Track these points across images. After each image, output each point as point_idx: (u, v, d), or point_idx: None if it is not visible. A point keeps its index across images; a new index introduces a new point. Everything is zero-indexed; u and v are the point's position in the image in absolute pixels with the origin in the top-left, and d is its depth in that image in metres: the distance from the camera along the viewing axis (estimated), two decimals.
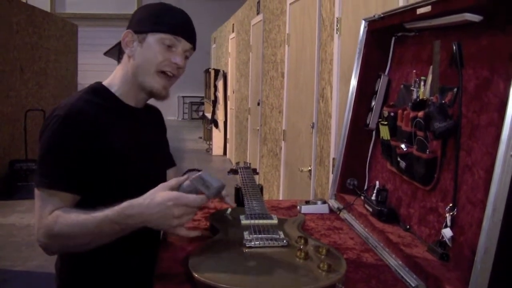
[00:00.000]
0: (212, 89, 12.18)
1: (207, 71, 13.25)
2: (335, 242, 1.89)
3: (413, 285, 1.51)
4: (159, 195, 1.43)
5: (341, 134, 2.40)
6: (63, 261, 1.78)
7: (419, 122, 1.75)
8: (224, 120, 11.82)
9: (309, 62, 4.35)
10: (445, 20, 1.63)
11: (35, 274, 4.76)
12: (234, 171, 2.35)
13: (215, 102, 12.12)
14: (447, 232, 1.58)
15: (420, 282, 1.52)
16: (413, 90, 1.85)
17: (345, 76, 3.36)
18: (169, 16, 1.72)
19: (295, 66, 4.90)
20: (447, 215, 1.59)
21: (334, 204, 2.36)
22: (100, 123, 1.64)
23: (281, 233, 1.64)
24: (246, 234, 1.61)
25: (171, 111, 19.51)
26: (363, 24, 2.26)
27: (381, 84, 2.17)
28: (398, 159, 1.93)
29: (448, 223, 1.59)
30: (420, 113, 1.73)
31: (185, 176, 1.52)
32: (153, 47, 1.69)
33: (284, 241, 1.57)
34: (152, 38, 1.69)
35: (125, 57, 1.76)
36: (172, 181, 1.49)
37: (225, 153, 12.02)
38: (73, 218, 1.51)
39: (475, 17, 1.50)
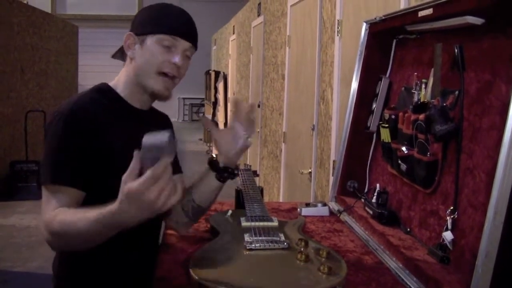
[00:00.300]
0: (213, 91, 12.18)
1: (207, 73, 13.26)
2: (335, 244, 1.89)
3: None
4: (122, 193, 1.32)
5: (342, 137, 2.39)
6: (61, 260, 1.78)
7: (420, 124, 1.75)
8: (224, 121, 11.80)
9: (310, 64, 4.35)
10: (446, 23, 1.63)
11: (35, 275, 4.75)
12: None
13: (215, 104, 12.12)
14: (447, 235, 1.57)
15: (421, 285, 1.51)
16: (414, 92, 1.85)
17: (346, 78, 3.36)
18: (168, 17, 1.72)
19: (296, 68, 4.90)
20: (448, 218, 1.59)
21: (334, 206, 2.36)
22: (101, 122, 1.65)
23: (281, 235, 1.64)
24: (246, 236, 1.61)
25: (171, 113, 19.36)
26: (364, 26, 2.26)
27: (382, 87, 2.17)
28: (399, 161, 1.92)
29: (449, 226, 1.58)
30: (421, 116, 1.73)
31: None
32: (152, 49, 1.69)
33: (285, 243, 1.57)
34: (151, 40, 1.69)
35: (127, 59, 1.77)
36: (130, 169, 1.31)
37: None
38: (68, 217, 1.50)
39: (477, 20, 1.50)
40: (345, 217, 2.22)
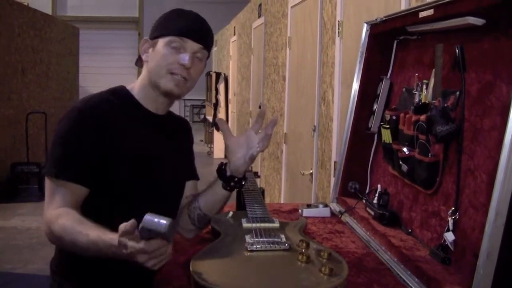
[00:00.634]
0: (214, 92, 12.18)
1: (208, 74, 13.25)
2: (336, 245, 1.88)
3: None
4: (119, 246, 1.33)
5: (343, 138, 2.39)
6: (60, 259, 1.79)
7: (421, 125, 1.75)
8: None
9: (311, 65, 4.35)
10: (447, 24, 1.63)
11: (36, 277, 4.75)
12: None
13: (216, 105, 12.12)
14: (449, 236, 1.57)
15: (422, 286, 1.51)
16: (415, 93, 1.85)
17: (347, 79, 3.36)
18: (177, 19, 1.73)
19: (297, 69, 4.90)
20: (449, 218, 1.59)
21: (335, 207, 2.36)
22: (113, 122, 1.67)
23: (282, 236, 1.64)
24: (248, 238, 1.61)
25: None
26: (365, 28, 2.26)
27: (383, 88, 2.17)
28: (400, 162, 1.92)
29: (450, 227, 1.58)
30: (422, 117, 1.73)
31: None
32: (162, 51, 1.70)
33: (286, 244, 1.57)
34: (162, 42, 1.71)
35: (144, 64, 1.78)
36: (122, 226, 1.31)
37: (226, 156, 11.99)
38: (70, 225, 1.50)
39: (477, 21, 1.50)
40: (346, 218, 2.22)
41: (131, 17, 15.79)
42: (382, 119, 2.14)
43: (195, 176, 1.97)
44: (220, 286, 1.30)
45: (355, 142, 2.33)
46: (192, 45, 1.71)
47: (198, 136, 15.76)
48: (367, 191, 2.30)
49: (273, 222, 1.78)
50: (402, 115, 1.91)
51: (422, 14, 1.72)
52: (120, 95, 1.77)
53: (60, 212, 1.55)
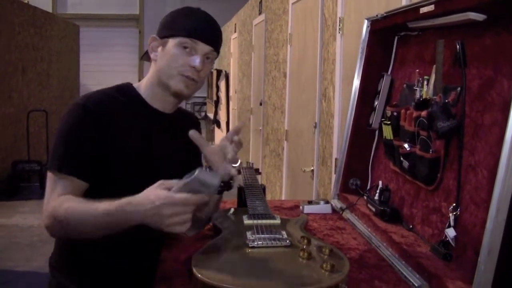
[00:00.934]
0: (214, 89, 12.17)
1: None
2: (338, 242, 1.88)
3: (416, 285, 1.51)
4: (152, 193, 1.39)
5: (344, 134, 2.39)
6: (60, 255, 1.79)
7: (422, 121, 1.75)
8: (226, 120, 11.80)
9: (311, 62, 4.35)
10: (448, 19, 1.63)
11: (37, 275, 4.75)
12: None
13: (217, 103, 12.11)
14: (450, 232, 1.57)
15: (423, 282, 1.51)
16: (416, 89, 1.85)
17: (348, 76, 3.35)
18: (189, 20, 1.71)
19: (297, 66, 4.90)
20: (450, 215, 1.59)
21: (337, 204, 2.36)
22: (116, 119, 1.67)
23: (284, 233, 1.64)
24: (249, 234, 1.61)
25: None
26: (365, 24, 2.25)
27: (384, 84, 2.17)
28: (401, 158, 1.92)
29: (451, 223, 1.58)
30: (423, 113, 1.73)
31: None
32: (173, 51, 1.69)
33: (287, 241, 1.57)
34: (172, 42, 1.70)
35: (152, 62, 1.77)
36: (173, 180, 1.42)
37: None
38: (76, 205, 1.52)
39: (478, 16, 1.50)
40: (347, 214, 2.22)
41: (132, 14, 15.76)
42: (383, 116, 2.14)
43: None
44: (221, 283, 1.30)
45: (356, 139, 2.33)
46: (203, 47, 1.70)
47: None
48: (368, 187, 2.30)
49: (274, 218, 1.78)
50: (403, 111, 1.91)
51: (423, 10, 1.72)
52: (125, 92, 1.77)
53: (62, 199, 1.56)
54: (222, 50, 1.85)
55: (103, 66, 15.13)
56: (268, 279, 1.36)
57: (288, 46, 5.18)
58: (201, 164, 1.78)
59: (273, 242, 1.56)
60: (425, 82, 1.81)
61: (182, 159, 1.80)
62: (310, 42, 4.42)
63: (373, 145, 2.31)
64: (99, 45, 15.39)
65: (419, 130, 1.78)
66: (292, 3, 5.07)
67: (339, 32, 3.56)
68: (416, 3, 1.77)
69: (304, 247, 1.53)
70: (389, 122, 2.02)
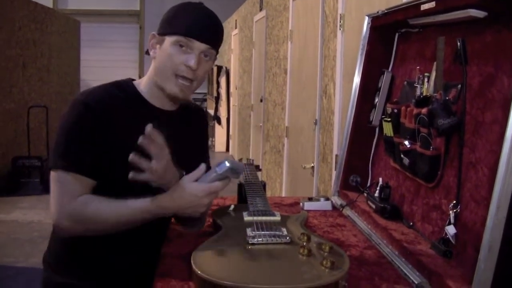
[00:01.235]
0: (215, 85, 12.17)
1: None
2: (338, 239, 1.88)
3: (416, 282, 1.51)
4: (189, 187, 1.53)
5: (344, 131, 2.39)
6: (55, 253, 1.80)
7: (422, 118, 1.74)
8: (226, 116, 11.81)
9: (312, 59, 4.34)
10: (449, 16, 1.62)
11: (37, 271, 4.73)
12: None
13: (217, 99, 12.11)
14: (450, 229, 1.57)
15: (423, 279, 1.51)
16: (417, 86, 1.84)
17: (348, 72, 3.35)
18: (186, 16, 1.69)
19: (298, 63, 4.90)
20: (451, 212, 1.59)
21: (337, 201, 2.36)
22: (115, 116, 1.66)
23: (284, 230, 1.64)
24: (249, 231, 1.61)
25: None
26: (366, 20, 2.25)
27: (384, 81, 2.17)
28: (402, 156, 1.92)
29: (452, 220, 1.58)
30: (424, 110, 1.73)
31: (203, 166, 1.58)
32: (169, 50, 1.67)
33: (287, 238, 1.57)
34: (168, 41, 1.68)
35: (152, 60, 1.76)
36: (195, 174, 1.56)
37: (227, 149, 12.01)
38: (106, 205, 1.59)
39: (479, 13, 1.49)
40: (347, 211, 2.22)
41: (132, 10, 15.73)
42: (383, 112, 2.14)
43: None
44: (221, 279, 1.30)
45: (357, 136, 2.33)
46: (199, 46, 1.67)
47: None
48: (368, 184, 2.30)
49: (274, 215, 1.78)
50: (403, 108, 1.91)
51: (424, 7, 1.71)
52: (124, 88, 1.75)
53: (83, 200, 1.59)
54: (222, 46, 1.82)
55: (104, 62, 15.11)
56: (268, 276, 1.37)
57: (289, 42, 5.18)
58: (202, 160, 1.75)
59: (273, 239, 1.56)
60: (426, 79, 1.80)
61: (183, 156, 1.74)
62: (311, 38, 4.41)
63: (374, 142, 2.31)
64: (99, 41, 15.37)
65: (419, 127, 1.78)
66: (293, 0, 5.07)
67: (339, 29, 3.56)
68: (417, 0, 1.76)
69: (304, 244, 1.53)
70: (389, 119, 2.02)
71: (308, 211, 2.19)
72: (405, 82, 2.02)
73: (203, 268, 1.36)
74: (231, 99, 11.21)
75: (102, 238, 1.63)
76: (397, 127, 1.97)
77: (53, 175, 1.63)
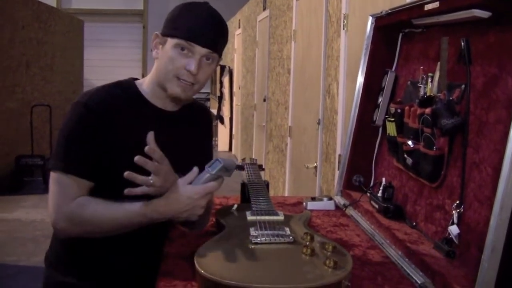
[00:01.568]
0: (218, 85, 12.16)
1: None
2: (341, 238, 1.88)
3: (419, 282, 1.51)
4: (183, 190, 1.53)
5: (347, 131, 2.39)
6: (57, 252, 1.80)
7: (426, 118, 1.74)
8: (229, 116, 11.82)
9: (316, 59, 4.34)
10: (453, 16, 1.62)
11: (40, 270, 4.74)
12: (240, 167, 2.34)
13: (220, 98, 12.11)
14: (453, 230, 1.57)
15: (427, 279, 1.51)
16: (420, 86, 1.84)
17: (352, 72, 3.35)
18: (189, 17, 1.66)
19: (301, 63, 4.89)
20: (454, 212, 1.59)
21: (340, 200, 2.36)
22: (117, 116, 1.66)
23: (287, 229, 1.64)
24: (252, 230, 1.61)
25: None
26: (370, 20, 2.25)
27: (388, 81, 2.17)
28: (405, 155, 1.92)
29: (455, 221, 1.58)
30: (427, 110, 1.73)
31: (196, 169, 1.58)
32: (170, 53, 1.65)
33: (290, 237, 1.57)
34: (170, 43, 1.65)
35: (155, 60, 1.75)
36: (188, 177, 1.56)
37: (230, 149, 12.01)
38: (103, 207, 1.58)
39: (483, 13, 1.49)
40: (350, 211, 2.22)
41: (136, 9, 15.74)
42: (387, 112, 2.14)
43: None
44: (224, 279, 1.30)
45: (360, 135, 2.33)
46: (200, 50, 1.64)
47: None
48: (371, 184, 2.30)
49: (277, 215, 1.78)
50: (407, 108, 1.91)
51: (428, 7, 1.71)
52: (126, 88, 1.74)
53: (80, 202, 1.59)
54: (226, 45, 1.81)
55: (107, 61, 15.13)
56: (271, 275, 1.37)
57: (292, 42, 5.17)
58: (206, 160, 1.71)
59: (276, 238, 1.56)
60: (429, 79, 1.80)
61: (185, 156, 1.72)
62: (314, 38, 4.41)
63: (377, 142, 2.31)
64: (103, 40, 15.38)
65: (423, 127, 1.78)
66: (297, 0, 5.07)
67: (343, 29, 3.56)
68: (421, 0, 1.76)
69: (307, 243, 1.53)
70: (393, 119, 2.02)
71: (311, 210, 2.19)
72: (409, 82, 2.02)
73: (206, 268, 1.36)
74: (234, 98, 11.22)
75: (102, 238, 1.63)
76: (401, 127, 1.97)
77: (53, 176, 1.63)
